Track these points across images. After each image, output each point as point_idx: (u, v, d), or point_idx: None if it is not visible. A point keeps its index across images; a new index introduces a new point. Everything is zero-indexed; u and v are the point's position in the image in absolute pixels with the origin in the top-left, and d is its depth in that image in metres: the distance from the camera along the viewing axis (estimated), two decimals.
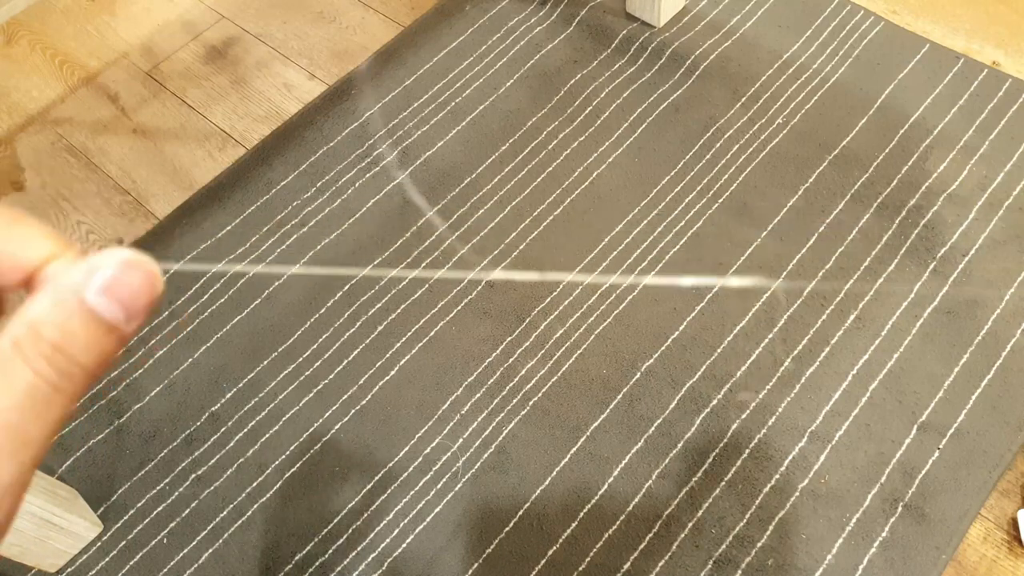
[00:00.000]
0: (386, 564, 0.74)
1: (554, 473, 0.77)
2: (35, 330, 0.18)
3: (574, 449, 0.78)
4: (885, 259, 0.86)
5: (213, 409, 0.83)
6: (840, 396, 0.79)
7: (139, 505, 0.79)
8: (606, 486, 0.76)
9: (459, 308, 0.87)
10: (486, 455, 0.78)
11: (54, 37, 1.18)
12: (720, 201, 0.92)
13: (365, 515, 0.76)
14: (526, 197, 0.94)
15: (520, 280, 0.88)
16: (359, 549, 0.75)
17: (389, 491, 0.77)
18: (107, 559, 0.76)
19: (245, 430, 0.82)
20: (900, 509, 0.73)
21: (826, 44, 1.03)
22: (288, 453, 0.80)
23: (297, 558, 0.75)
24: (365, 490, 0.77)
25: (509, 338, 0.84)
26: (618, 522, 0.74)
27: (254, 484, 0.79)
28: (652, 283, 0.87)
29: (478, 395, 0.81)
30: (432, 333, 0.85)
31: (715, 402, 0.79)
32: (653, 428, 0.78)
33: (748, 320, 0.84)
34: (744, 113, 0.98)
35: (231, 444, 0.81)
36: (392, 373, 0.83)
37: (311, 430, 0.81)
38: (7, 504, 0.18)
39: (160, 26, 1.17)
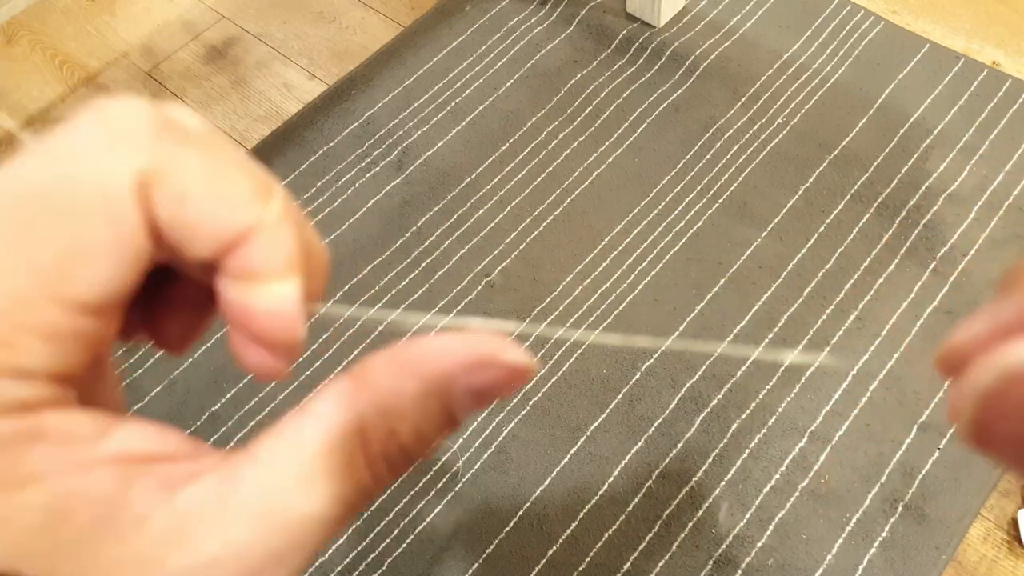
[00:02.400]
0: (386, 564, 0.74)
1: (554, 473, 0.77)
2: (391, 423, 0.15)
3: (574, 449, 0.78)
4: (885, 259, 0.86)
5: (213, 409, 0.83)
6: (840, 396, 0.79)
7: None
8: (606, 486, 0.76)
9: (459, 308, 0.86)
10: (486, 455, 0.78)
11: (54, 37, 1.18)
12: (720, 201, 0.92)
13: (365, 515, 0.76)
14: (526, 197, 0.94)
15: (520, 280, 0.88)
16: (359, 549, 0.75)
17: (389, 491, 0.77)
18: None
19: (245, 430, 0.82)
20: (900, 509, 0.73)
21: (826, 44, 1.03)
22: None
23: None
24: None
25: (508, 338, 0.84)
26: (618, 522, 0.74)
27: None
28: (652, 283, 0.87)
29: None
30: (431, 333, 0.85)
31: (715, 402, 0.79)
32: (653, 428, 0.78)
33: (748, 320, 0.84)
34: (744, 113, 0.98)
35: (231, 444, 0.81)
36: None
37: None
38: None
39: (160, 26, 1.17)
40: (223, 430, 0.82)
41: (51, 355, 0.15)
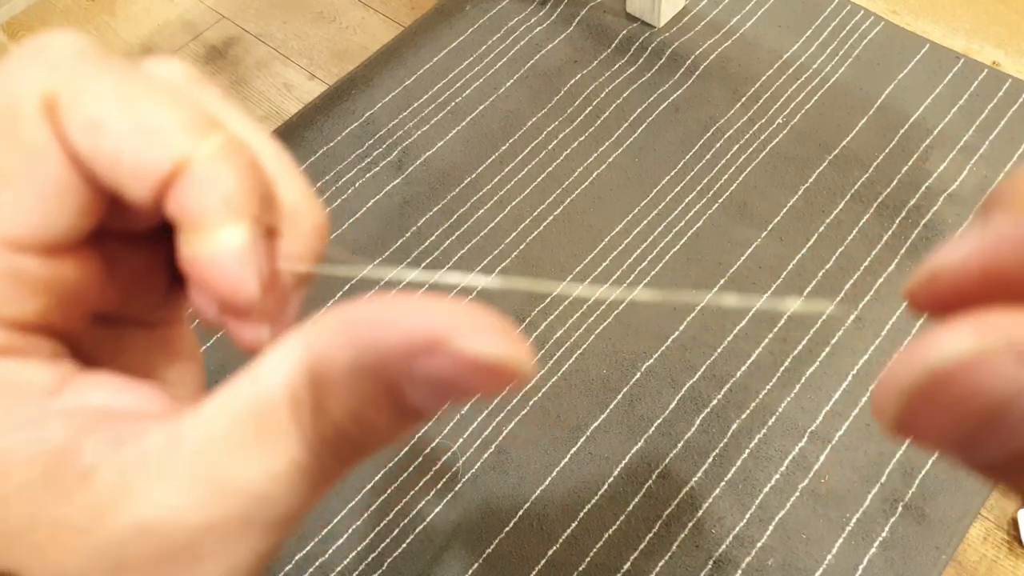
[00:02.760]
0: (386, 564, 0.74)
1: (554, 473, 0.77)
2: (319, 396, 0.12)
3: (574, 449, 0.78)
4: (885, 259, 0.86)
5: None
6: (840, 396, 0.79)
7: None
8: (606, 486, 0.76)
9: None
10: (486, 455, 0.78)
11: None
12: (720, 201, 0.92)
13: (365, 515, 0.76)
14: (526, 197, 0.94)
15: (520, 280, 0.88)
16: (359, 549, 0.75)
17: (388, 491, 0.77)
18: None
19: None
20: (900, 509, 0.73)
21: (826, 44, 1.03)
22: None
23: (297, 558, 0.75)
24: (365, 490, 0.77)
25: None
26: (618, 522, 0.74)
27: None
28: (652, 283, 0.87)
29: None
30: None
31: (715, 402, 0.79)
32: (653, 428, 0.78)
33: (748, 320, 0.84)
34: (744, 113, 0.98)
35: None
36: None
37: None
38: None
39: (160, 26, 1.17)
40: None
41: None
